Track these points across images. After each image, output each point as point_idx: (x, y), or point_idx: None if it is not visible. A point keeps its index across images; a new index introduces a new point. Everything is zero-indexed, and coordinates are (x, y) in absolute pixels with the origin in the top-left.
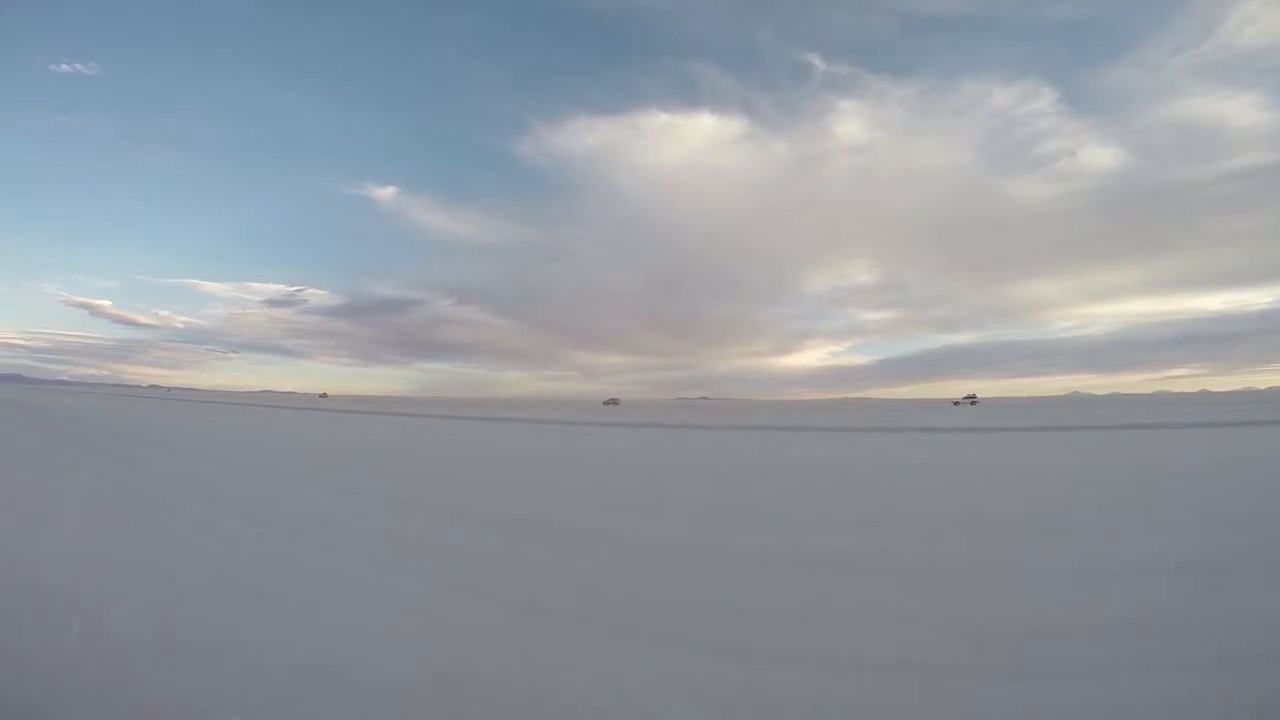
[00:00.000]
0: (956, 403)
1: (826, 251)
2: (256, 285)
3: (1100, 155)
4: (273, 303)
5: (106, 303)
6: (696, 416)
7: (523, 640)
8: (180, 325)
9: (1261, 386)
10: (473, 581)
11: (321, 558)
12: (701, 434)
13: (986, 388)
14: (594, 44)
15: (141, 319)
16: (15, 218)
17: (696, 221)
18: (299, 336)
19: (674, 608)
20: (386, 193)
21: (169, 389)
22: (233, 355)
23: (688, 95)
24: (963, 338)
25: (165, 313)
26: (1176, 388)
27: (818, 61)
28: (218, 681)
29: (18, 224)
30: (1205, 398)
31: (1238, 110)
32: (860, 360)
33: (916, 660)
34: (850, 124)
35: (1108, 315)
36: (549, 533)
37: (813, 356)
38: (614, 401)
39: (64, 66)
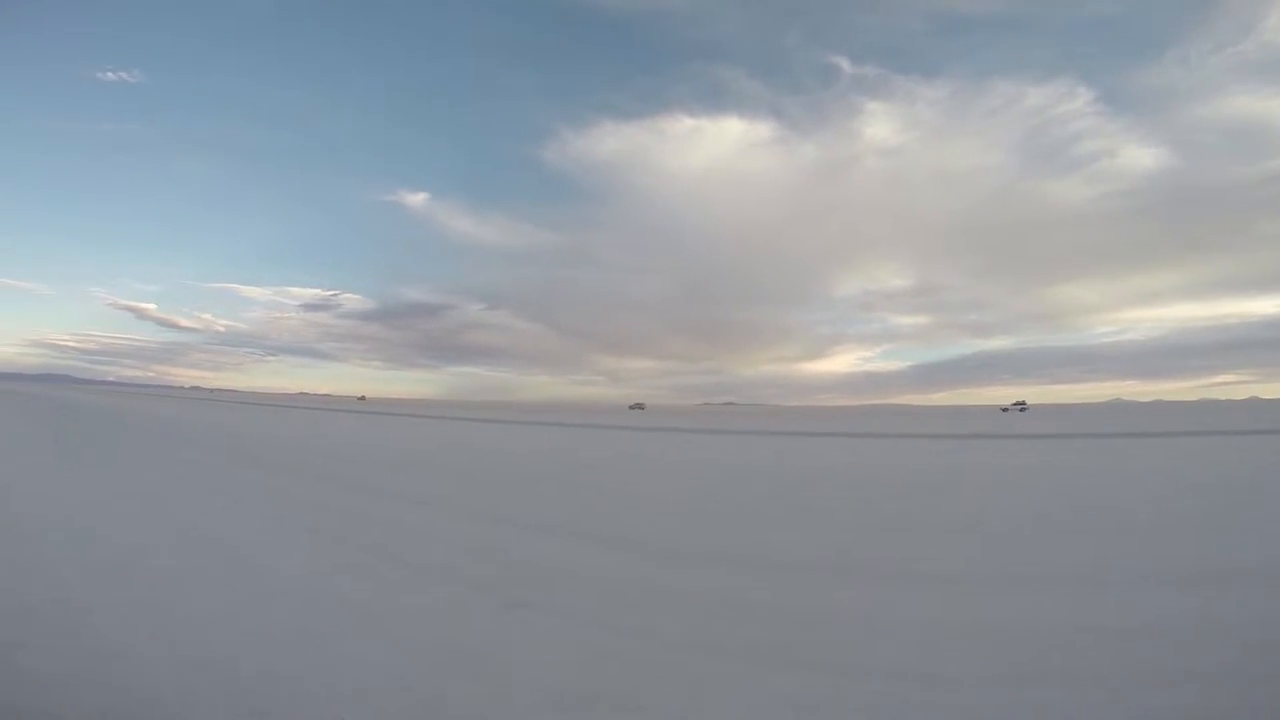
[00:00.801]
0: (1005, 409)
1: (857, 255)
2: (293, 290)
3: (1141, 156)
4: (309, 307)
5: (151, 306)
6: (747, 422)
7: (708, 678)
8: (221, 328)
9: None
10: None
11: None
12: (776, 440)
13: (1024, 394)
14: (619, 49)
15: (184, 322)
16: (65, 224)
17: (724, 226)
18: (334, 340)
19: (826, 628)
20: (418, 199)
21: (211, 390)
22: (270, 358)
23: (714, 99)
24: (999, 343)
25: (207, 316)
26: (1223, 395)
27: (845, 64)
28: None
29: (67, 230)
30: (1256, 405)
31: None
32: (892, 366)
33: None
34: (880, 126)
35: (1150, 320)
36: (708, 557)
37: (843, 362)
38: (639, 406)
39: (109, 74)
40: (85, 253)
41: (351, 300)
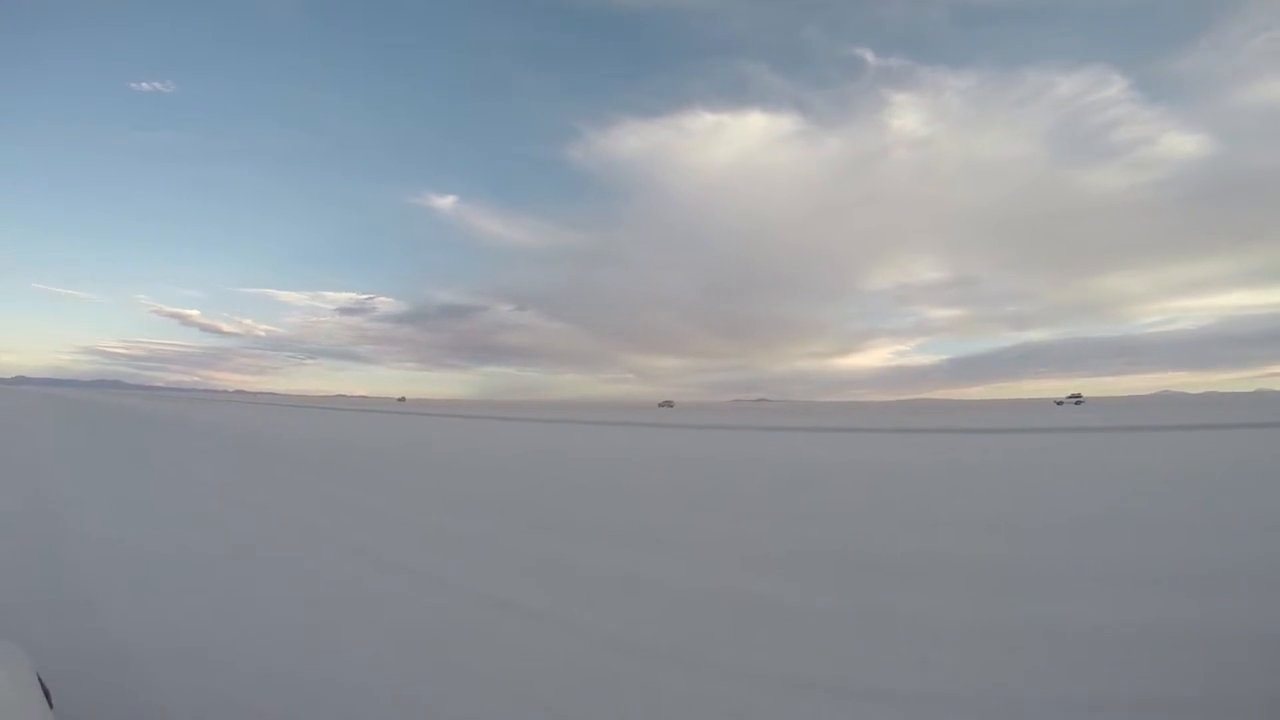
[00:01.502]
0: (1059, 402)
1: (889, 248)
2: (329, 294)
3: (1182, 143)
4: (344, 310)
5: (195, 312)
6: (790, 419)
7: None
8: (261, 333)
9: None
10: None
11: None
12: (834, 437)
13: (1068, 387)
14: (639, 48)
15: (226, 327)
16: (111, 233)
17: (750, 221)
18: (369, 343)
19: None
20: (446, 202)
21: (255, 394)
22: (309, 361)
23: (735, 95)
24: (1039, 335)
25: (248, 321)
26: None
27: (869, 55)
28: None
29: (114, 239)
30: None
31: None
32: (928, 360)
33: None
34: (908, 117)
35: (1198, 309)
36: (823, 561)
37: (876, 356)
38: (668, 404)
39: (144, 85)
40: (131, 261)
41: (385, 303)
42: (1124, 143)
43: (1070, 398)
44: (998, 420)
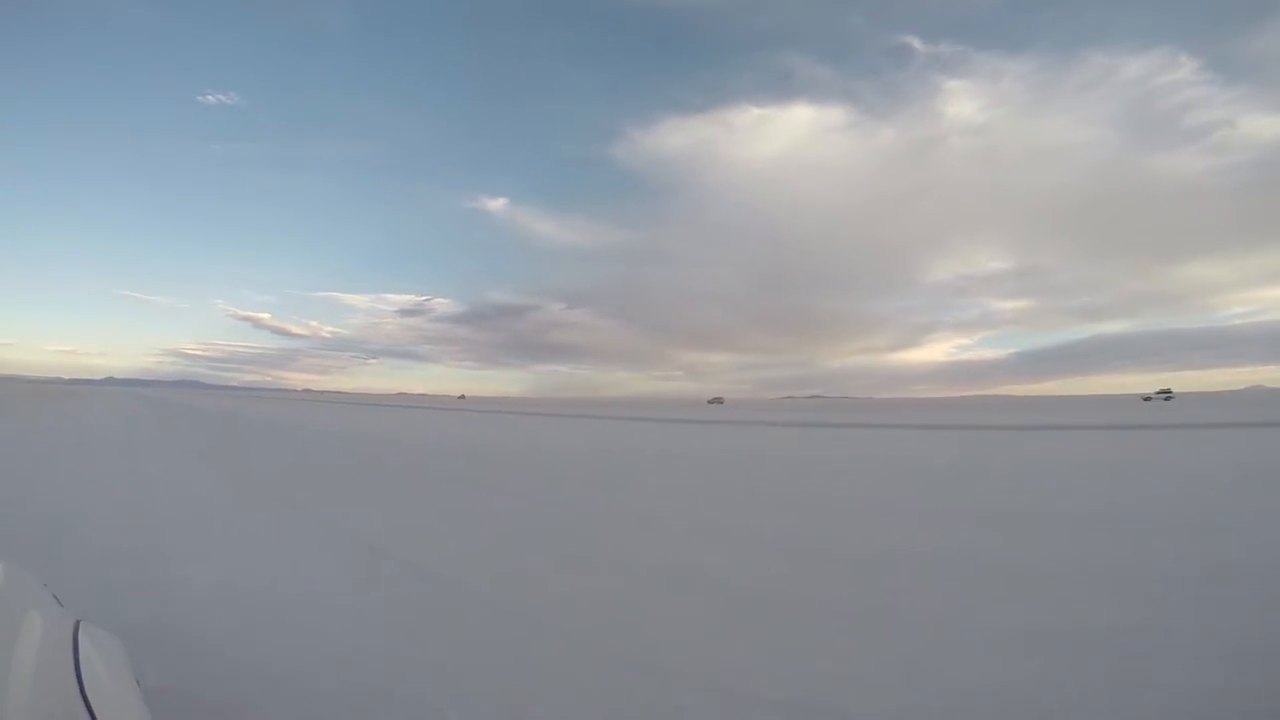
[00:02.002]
0: (1147, 398)
1: (949, 238)
2: (390, 296)
3: (1265, 126)
4: (404, 312)
5: (266, 315)
6: (861, 415)
7: None
8: (327, 334)
9: None
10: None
11: None
12: (915, 434)
13: (1149, 381)
14: (681, 45)
15: (295, 329)
16: (189, 241)
17: (800, 214)
18: (428, 342)
19: None
20: (498, 204)
21: (322, 393)
22: (371, 361)
23: (780, 88)
24: (1113, 327)
25: (314, 323)
26: None
27: (917, 43)
28: None
29: (191, 247)
30: None
31: None
32: (993, 354)
33: None
34: (964, 104)
35: None
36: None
37: (937, 351)
38: (717, 400)
39: (210, 97)
40: (208, 267)
41: (442, 304)
42: (1200, 126)
43: (1159, 393)
44: (1084, 416)
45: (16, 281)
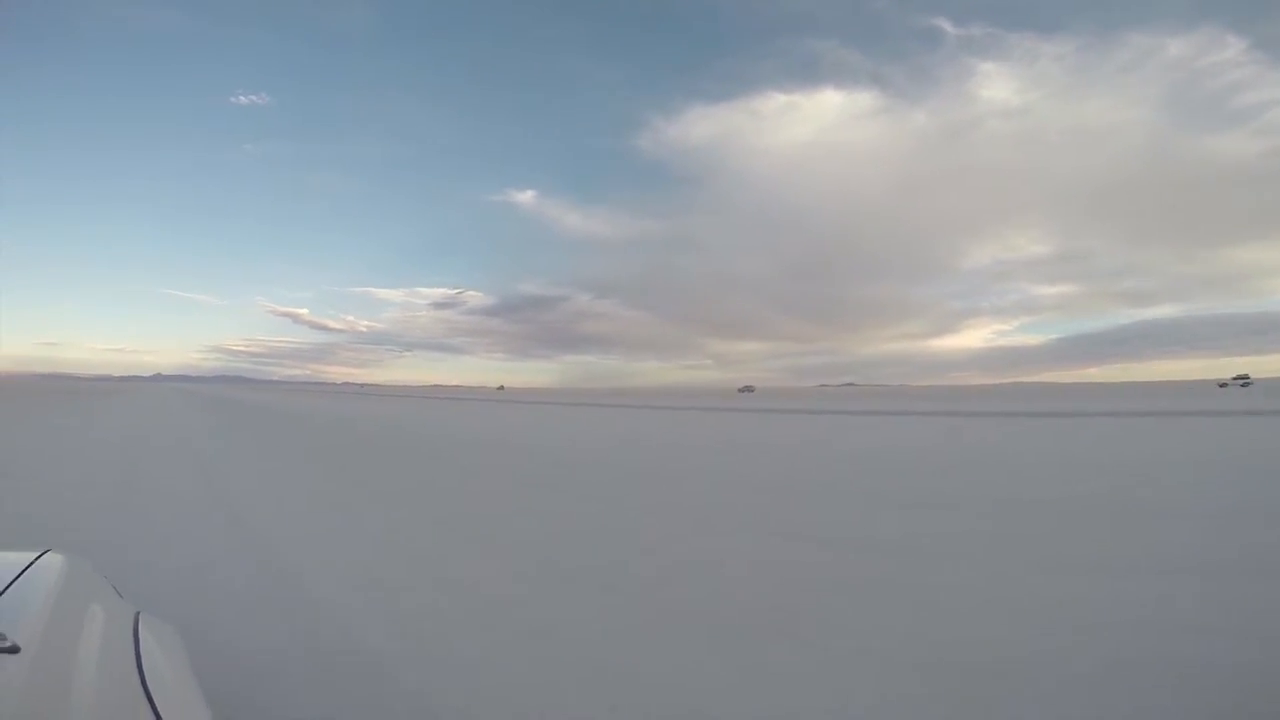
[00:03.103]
0: (1223, 384)
1: (986, 222)
2: (423, 289)
3: None
4: (437, 305)
5: (304, 311)
6: (907, 403)
7: None
8: (363, 328)
9: None
10: None
11: None
12: (984, 421)
13: (1200, 368)
14: (703, 34)
15: (332, 324)
16: (230, 240)
17: (831, 200)
18: (460, 335)
19: None
20: (526, 197)
21: (361, 385)
22: (406, 354)
23: (806, 74)
24: (1160, 312)
25: (350, 318)
26: None
27: (947, 25)
28: None
29: (230, 245)
30: None
31: None
32: (1033, 340)
33: None
34: (998, 86)
35: None
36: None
37: (975, 337)
38: (748, 389)
39: (241, 98)
40: (247, 265)
41: (474, 297)
42: (1250, 107)
43: (1236, 379)
44: (1170, 402)
45: (67, 283)
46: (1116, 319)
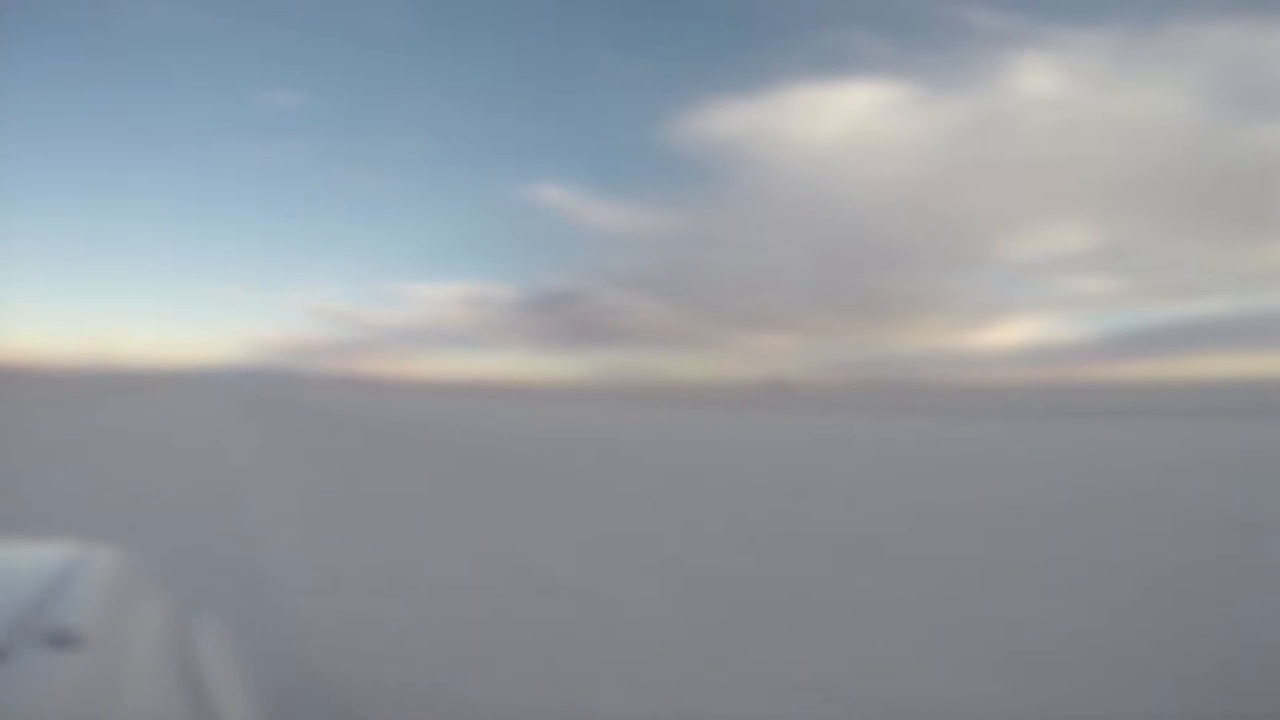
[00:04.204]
0: None
1: (1026, 214)
2: (450, 286)
3: None
4: (466, 300)
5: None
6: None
7: None
8: (394, 324)
9: None
10: None
11: None
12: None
13: (1254, 366)
14: (730, 26)
15: (363, 319)
16: (264, 235)
17: (863, 193)
18: (489, 329)
19: None
20: (551, 191)
21: (395, 381)
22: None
23: (835, 65)
24: (1208, 307)
25: (380, 313)
26: None
27: (981, 16)
28: None
29: (266, 241)
30: None
31: None
32: (1075, 334)
33: None
34: (1036, 78)
35: None
36: None
37: (1015, 332)
38: (779, 384)
39: (270, 97)
40: (280, 260)
41: (501, 292)
42: None
43: None
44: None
45: (110, 278)
46: (1162, 314)
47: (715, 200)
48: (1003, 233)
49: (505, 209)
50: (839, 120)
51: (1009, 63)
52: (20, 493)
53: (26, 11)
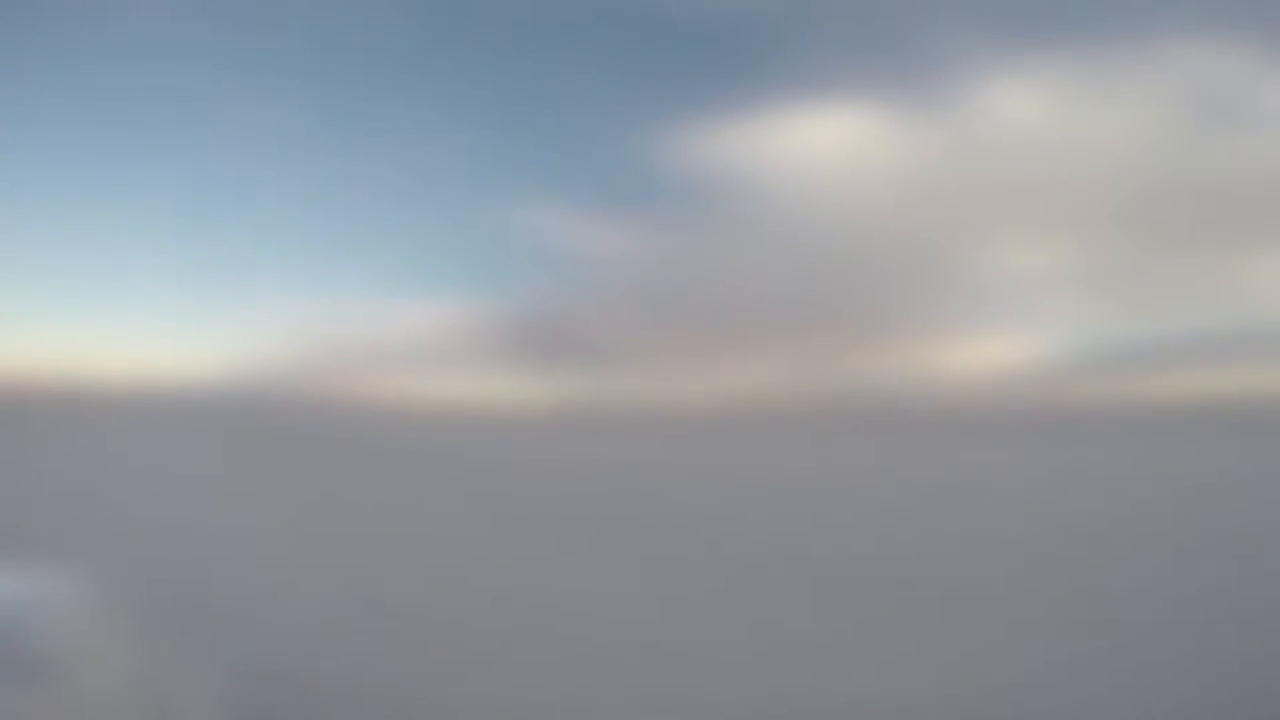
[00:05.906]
0: None
1: (999, 236)
2: (440, 304)
3: None
4: (454, 318)
5: (318, 323)
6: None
7: None
8: (368, 343)
9: None
10: None
11: None
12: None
13: (1236, 381)
14: (713, 50)
15: (338, 339)
16: (251, 249)
17: (837, 217)
18: (479, 348)
19: None
20: (541, 211)
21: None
22: (426, 367)
23: (811, 89)
24: (1185, 324)
25: (356, 332)
26: None
27: (950, 37)
28: None
29: (252, 254)
30: None
31: None
32: (1057, 354)
33: None
34: (1006, 99)
35: None
36: None
37: (991, 353)
38: (770, 409)
39: (255, 109)
40: (262, 276)
41: (488, 311)
42: (1273, 111)
43: None
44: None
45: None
46: (1135, 334)
47: (695, 224)
48: (977, 254)
49: (489, 227)
50: (813, 143)
51: (978, 84)
52: None
53: (27, 11)
